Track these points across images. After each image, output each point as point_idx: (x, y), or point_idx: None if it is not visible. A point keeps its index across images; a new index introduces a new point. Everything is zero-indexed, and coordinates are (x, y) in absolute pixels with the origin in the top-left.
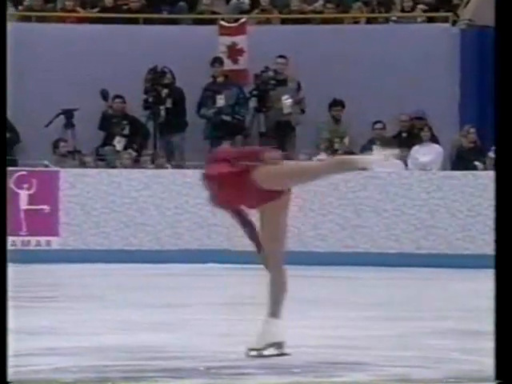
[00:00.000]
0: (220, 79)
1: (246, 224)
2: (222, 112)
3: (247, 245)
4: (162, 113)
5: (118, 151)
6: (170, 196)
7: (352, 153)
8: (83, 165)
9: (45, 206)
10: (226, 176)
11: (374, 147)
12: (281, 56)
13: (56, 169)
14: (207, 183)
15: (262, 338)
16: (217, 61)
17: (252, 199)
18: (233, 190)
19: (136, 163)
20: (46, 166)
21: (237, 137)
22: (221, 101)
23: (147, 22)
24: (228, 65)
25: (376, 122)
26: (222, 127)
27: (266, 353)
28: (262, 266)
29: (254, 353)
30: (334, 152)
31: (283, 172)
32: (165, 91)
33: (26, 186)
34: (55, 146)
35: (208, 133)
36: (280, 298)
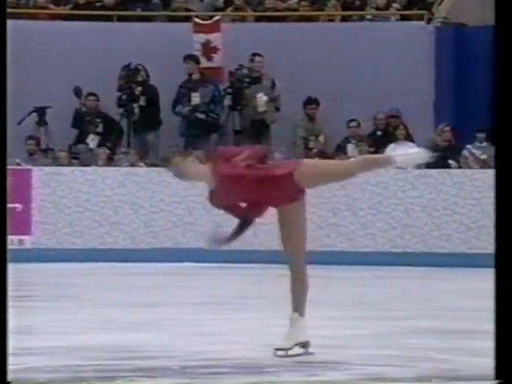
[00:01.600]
0: (195, 77)
1: (248, 224)
2: (197, 110)
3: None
4: (136, 110)
5: (91, 149)
6: (145, 194)
7: (323, 153)
8: (56, 162)
9: (17, 205)
10: (246, 176)
11: (391, 145)
12: (256, 54)
13: (29, 167)
14: (221, 183)
15: (290, 337)
16: (190, 58)
17: (275, 199)
18: (251, 190)
19: (110, 161)
20: (18, 164)
21: (212, 135)
22: (196, 98)
23: (121, 19)
24: (203, 62)
25: (351, 121)
26: (196, 125)
27: (291, 352)
28: (237, 265)
29: (281, 353)
30: (309, 150)
31: (325, 172)
32: (139, 89)
33: None
34: (26, 143)
35: (183, 130)
36: (303, 296)
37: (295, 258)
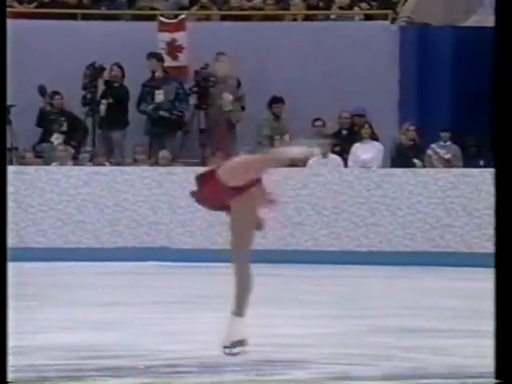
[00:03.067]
0: (158, 74)
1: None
2: (161, 108)
3: (187, 243)
4: (102, 109)
5: (55, 148)
6: (110, 193)
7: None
8: (20, 161)
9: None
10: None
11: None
12: (220, 53)
13: None
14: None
15: (229, 336)
16: (153, 56)
17: (221, 198)
18: (209, 191)
19: (74, 160)
20: None
21: (177, 133)
22: (160, 96)
23: (85, 17)
24: (168, 61)
25: (316, 120)
26: (161, 123)
27: (235, 351)
28: (202, 264)
29: (226, 350)
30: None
31: (244, 167)
32: (104, 88)
33: None
34: None
35: (147, 129)
36: (244, 296)
37: (235, 257)
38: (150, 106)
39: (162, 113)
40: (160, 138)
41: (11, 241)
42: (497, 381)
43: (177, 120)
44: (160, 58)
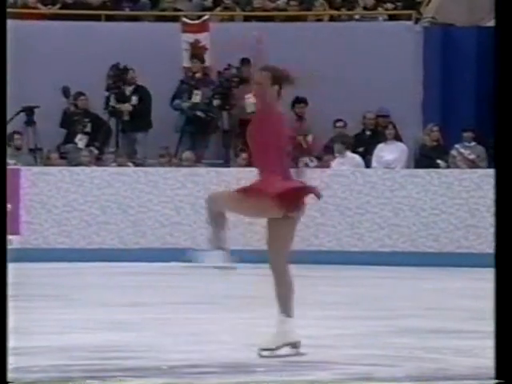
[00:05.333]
0: (199, 75)
1: None
2: (197, 108)
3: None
4: (125, 110)
5: (79, 149)
6: (133, 194)
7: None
8: (44, 162)
9: (6, 205)
10: None
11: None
12: (245, 59)
13: (17, 167)
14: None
15: (277, 338)
16: (195, 57)
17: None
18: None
19: (98, 161)
20: None
21: (209, 134)
22: (197, 96)
23: (109, 18)
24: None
25: (337, 121)
26: (195, 123)
27: (279, 352)
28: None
29: (266, 353)
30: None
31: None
32: (129, 89)
33: None
34: (10, 139)
35: (180, 126)
36: (287, 298)
37: (275, 260)
38: (186, 104)
39: (198, 113)
40: (192, 136)
41: (35, 241)
42: (497, 381)
43: (211, 121)
44: (202, 59)
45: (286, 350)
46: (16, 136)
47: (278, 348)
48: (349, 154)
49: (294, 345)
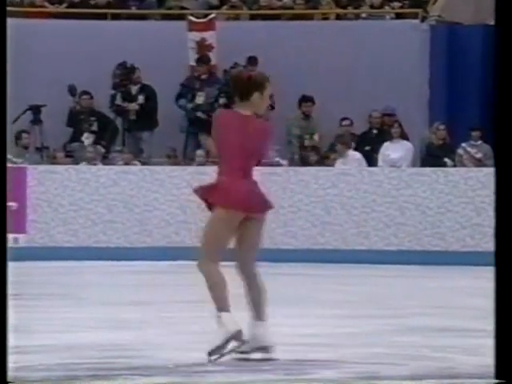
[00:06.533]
0: (204, 77)
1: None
2: (200, 109)
3: None
4: (132, 109)
5: (86, 147)
6: (139, 193)
7: (318, 150)
8: (51, 160)
9: (12, 203)
10: None
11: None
12: (252, 57)
13: (23, 165)
14: None
15: (249, 342)
16: (202, 61)
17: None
18: None
19: (104, 159)
20: (10, 161)
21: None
22: (201, 98)
23: (115, 17)
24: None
25: (343, 119)
26: (197, 123)
27: (253, 356)
28: (232, 263)
29: (241, 356)
30: (304, 148)
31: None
32: (135, 88)
33: None
34: (17, 137)
35: (184, 127)
36: (261, 299)
37: (245, 263)
38: (190, 105)
39: (199, 114)
40: (196, 137)
41: (41, 240)
42: (497, 381)
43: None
44: (207, 61)
45: (258, 355)
46: (24, 135)
47: (251, 352)
48: (350, 152)
49: (266, 349)
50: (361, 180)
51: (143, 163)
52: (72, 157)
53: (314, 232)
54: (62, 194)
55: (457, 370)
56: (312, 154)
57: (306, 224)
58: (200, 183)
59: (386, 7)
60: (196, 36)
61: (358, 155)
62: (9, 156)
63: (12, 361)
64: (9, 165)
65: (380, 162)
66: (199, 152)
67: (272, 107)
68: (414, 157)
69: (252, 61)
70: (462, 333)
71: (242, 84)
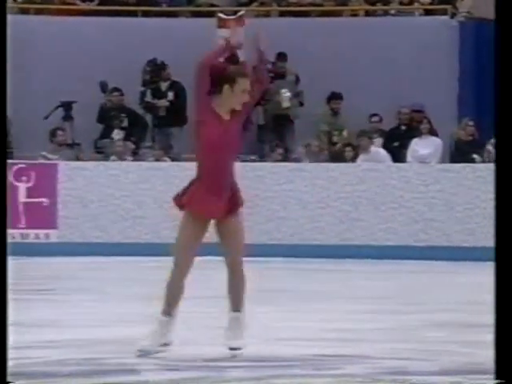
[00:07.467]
0: None
1: None
2: None
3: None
4: (162, 105)
5: (116, 144)
6: (168, 189)
7: (351, 145)
8: (81, 156)
9: (43, 199)
10: None
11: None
12: (281, 54)
13: (54, 162)
14: None
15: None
16: (230, 60)
17: None
18: None
19: (134, 155)
20: (45, 157)
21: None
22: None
23: (145, 14)
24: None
25: (372, 115)
26: None
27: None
28: (259, 259)
29: (235, 352)
30: (333, 145)
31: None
32: (164, 84)
33: (24, 178)
34: (52, 134)
35: None
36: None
37: (239, 263)
38: None
39: None
40: None
41: (72, 236)
42: (497, 381)
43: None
44: (236, 62)
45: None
46: (59, 132)
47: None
48: (373, 148)
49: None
50: (389, 176)
51: (173, 159)
52: (102, 153)
53: (342, 228)
54: (92, 190)
55: (485, 366)
56: (348, 149)
57: (335, 220)
58: None
59: (416, 4)
60: (225, 33)
61: (382, 151)
62: (43, 152)
63: (42, 355)
64: (42, 161)
65: (409, 158)
66: None
67: (301, 104)
68: (443, 153)
69: (281, 57)
70: (490, 328)
71: (215, 75)
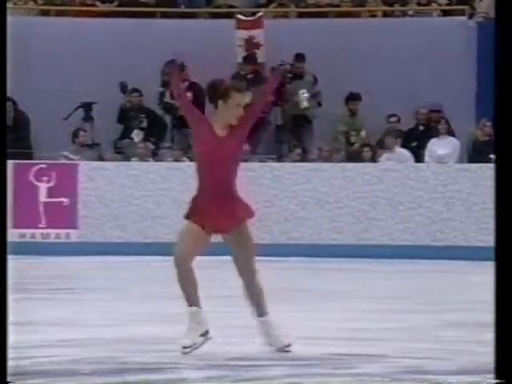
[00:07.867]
0: (249, 76)
1: None
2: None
3: (263, 238)
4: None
5: (136, 144)
6: (187, 189)
7: (368, 146)
8: (101, 157)
9: (64, 199)
10: None
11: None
12: (299, 55)
13: (75, 162)
14: None
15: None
16: (249, 60)
17: None
18: None
19: (154, 156)
20: (66, 157)
21: (260, 133)
22: (247, 98)
23: (164, 15)
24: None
25: (391, 115)
26: None
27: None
28: (277, 259)
29: (283, 353)
30: (351, 145)
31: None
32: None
33: (45, 178)
34: (75, 135)
35: None
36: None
37: (253, 271)
38: None
39: None
40: None
41: (92, 235)
42: (497, 381)
43: (261, 119)
44: (254, 60)
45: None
46: (81, 133)
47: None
48: (397, 149)
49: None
50: (407, 176)
51: (192, 159)
52: (122, 153)
53: (360, 227)
54: (113, 190)
55: None
56: (366, 149)
57: (353, 219)
58: (247, 179)
59: (433, 4)
60: (244, 34)
61: (406, 153)
62: (65, 153)
63: (62, 353)
64: (63, 161)
65: (427, 158)
66: (245, 147)
67: (319, 104)
68: (461, 153)
69: (299, 58)
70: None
71: (209, 91)
